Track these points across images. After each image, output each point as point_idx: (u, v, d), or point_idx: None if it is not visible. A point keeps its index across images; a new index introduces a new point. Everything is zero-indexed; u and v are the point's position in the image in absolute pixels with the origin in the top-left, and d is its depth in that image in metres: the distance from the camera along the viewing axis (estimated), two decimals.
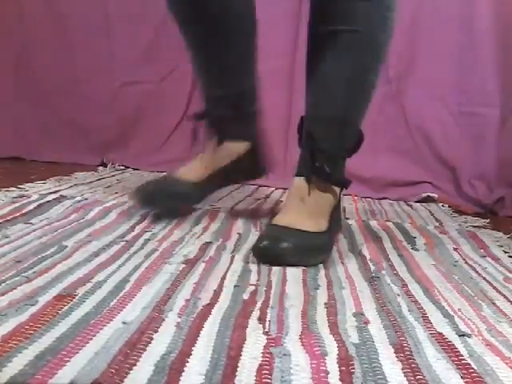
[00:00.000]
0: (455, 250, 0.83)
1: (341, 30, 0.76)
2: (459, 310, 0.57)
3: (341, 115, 0.79)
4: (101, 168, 1.50)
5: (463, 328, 0.52)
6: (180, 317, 0.50)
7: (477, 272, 0.72)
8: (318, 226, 0.76)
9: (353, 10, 0.76)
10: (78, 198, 1.02)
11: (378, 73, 0.80)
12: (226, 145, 0.94)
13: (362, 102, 0.81)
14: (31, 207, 0.92)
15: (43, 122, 1.62)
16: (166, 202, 0.91)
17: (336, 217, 0.83)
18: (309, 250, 0.72)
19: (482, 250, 0.83)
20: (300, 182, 0.78)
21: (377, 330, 0.50)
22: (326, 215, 0.79)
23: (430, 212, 1.17)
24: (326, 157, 0.77)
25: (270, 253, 0.70)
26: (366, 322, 0.52)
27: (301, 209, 0.77)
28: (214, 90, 0.93)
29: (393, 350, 0.46)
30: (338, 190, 0.81)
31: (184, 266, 0.66)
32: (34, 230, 0.78)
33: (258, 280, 0.63)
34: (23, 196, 1.01)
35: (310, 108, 0.82)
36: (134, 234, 0.80)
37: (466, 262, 0.76)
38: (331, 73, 0.79)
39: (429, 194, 1.31)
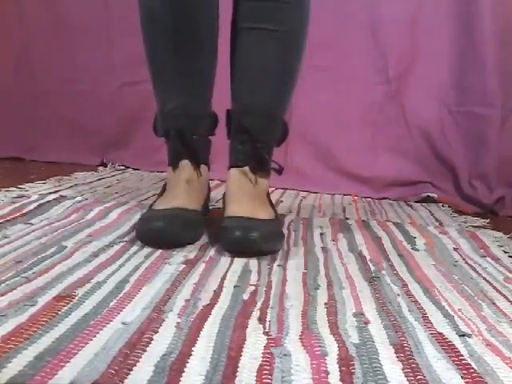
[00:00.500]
0: (455, 249, 0.83)
1: (264, 28, 0.80)
2: (459, 310, 0.57)
3: (270, 108, 0.83)
4: (101, 168, 1.50)
5: (463, 328, 0.52)
6: (180, 317, 0.50)
7: (477, 272, 0.72)
8: (270, 214, 0.80)
9: (276, 9, 0.80)
10: (78, 198, 1.02)
11: (299, 67, 0.85)
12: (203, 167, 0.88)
13: (286, 94, 0.86)
14: (31, 207, 0.92)
15: (43, 122, 1.62)
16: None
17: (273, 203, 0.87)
18: (274, 237, 0.75)
19: (482, 250, 0.83)
20: (239, 172, 0.82)
21: (377, 330, 0.50)
22: (268, 202, 0.84)
23: (430, 212, 1.17)
24: (264, 147, 0.82)
25: (244, 243, 0.71)
26: (366, 322, 0.52)
27: (250, 198, 0.80)
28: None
29: (393, 350, 0.46)
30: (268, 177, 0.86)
31: (184, 266, 0.66)
32: (33, 231, 0.78)
33: (258, 280, 0.63)
34: (23, 196, 1.01)
35: (239, 101, 0.85)
36: (133, 234, 0.80)
37: (466, 262, 0.76)
38: (256, 69, 0.83)
39: (429, 194, 1.31)
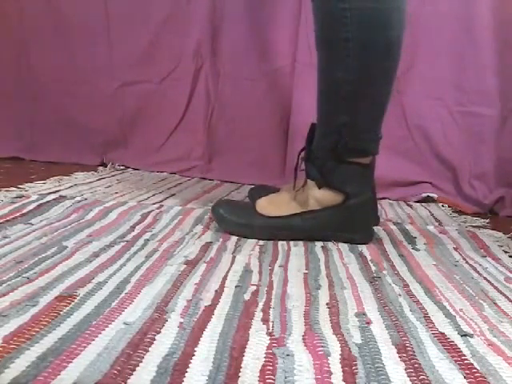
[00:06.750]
0: (455, 249, 0.83)
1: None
2: (461, 310, 0.57)
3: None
4: (101, 168, 1.50)
5: (465, 328, 0.52)
6: (183, 317, 0.50)
7: (477, 272, 0.72)
8: None
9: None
10: (78, 198, 1.02)
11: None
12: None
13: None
14: (31, 207, 0.92)
15: (43, 122, 1.61)
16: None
17: None
18: None
19: (482, 250, 0.83)
20: None
21: (379, 330, 0.50)
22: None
23: (430, 212, 1.17)
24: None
25: None
26: (368, 322, 0.52)
27: None
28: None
29: (395, 350, 0.46)
30: None
31: (185, 266, 0.66)
32: (33, 231, 0.78)
33: (259, 280, 0.63)
34: (23, 196, 1.01)
35: None
36: (134, 234, 0.80)
37: (467, 262, 0.76)
38: None
39: (429, 194, 1.31)
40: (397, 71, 0.80)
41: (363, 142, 0.83)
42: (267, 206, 0.85)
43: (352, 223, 0.84)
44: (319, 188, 0.83)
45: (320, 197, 0.83)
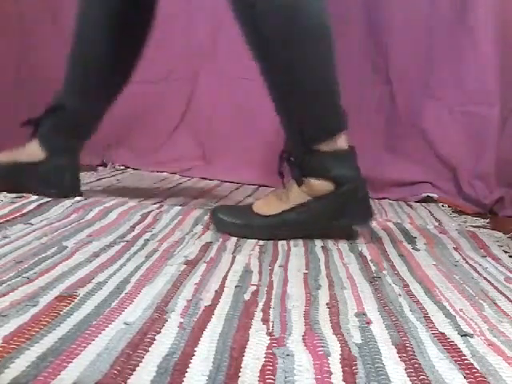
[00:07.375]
0: (455, 249, 0.83)
1: None
2: (461, 310, 0.57)
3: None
4: (101, 168, 1.50)
5: (465, 328, 0.52)
6: (183, 317, 0.50)
7: (478, 272, 0.72)
8: None
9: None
10: (78, 198, 1.02)
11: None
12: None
13: None
14: (31, 207, 0.92)
15: None
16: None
17: None
18: None
19: (482, 250, 0.84)
20: None
21: (379, 330, 0.50)
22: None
23: (430, 212, 1.18)
24: None
25: None
26: (368, 322, 0.52)
27: None
28: None
29: (395, 350, 0.46)
30: None
31: (185, 266, 0.66)
32: (33, 231, 0.78)
33: (259, 280, 0.63)
34: (23, 196, 1.01)
35: None
36: (134, 234, 0.80)
37: (467, 262, 0.76)
38: None
39: (429, 194, 1.31)
40: (335, 53, 0.82)
41: (326, 125, 0.84)
42: (263, 206, 0.86)
43: (347, 208, 0.84)
44: (299, 186, 0.84)
45: (309, 189, 0.84)
